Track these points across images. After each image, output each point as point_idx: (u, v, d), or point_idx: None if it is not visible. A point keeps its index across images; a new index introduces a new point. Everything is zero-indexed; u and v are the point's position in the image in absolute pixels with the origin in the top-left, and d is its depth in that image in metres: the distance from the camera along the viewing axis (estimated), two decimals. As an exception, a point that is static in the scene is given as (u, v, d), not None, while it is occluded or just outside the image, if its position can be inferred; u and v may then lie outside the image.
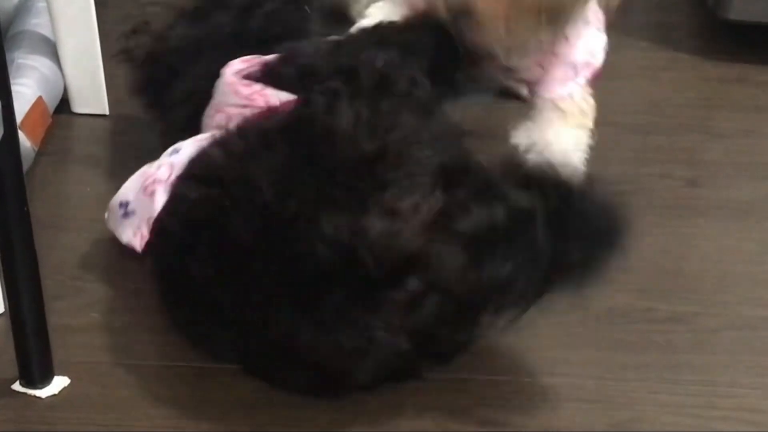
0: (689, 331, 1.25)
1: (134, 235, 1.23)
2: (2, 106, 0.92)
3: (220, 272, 1.11)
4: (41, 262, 1.11)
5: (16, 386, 1.15)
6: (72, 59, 1.59)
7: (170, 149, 1.26)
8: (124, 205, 1.26)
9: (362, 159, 1.09)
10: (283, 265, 1.07)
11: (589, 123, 1.47)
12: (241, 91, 1.28)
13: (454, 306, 1.08)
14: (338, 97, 1.15)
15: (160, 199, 1.21)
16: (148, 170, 1.25)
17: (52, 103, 1.58)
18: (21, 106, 1.45)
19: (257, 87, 1.28)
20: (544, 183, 1.10)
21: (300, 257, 1.06)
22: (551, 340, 1.23)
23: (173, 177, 1.21)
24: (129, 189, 1.26)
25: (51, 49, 1.60)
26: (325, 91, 1.17)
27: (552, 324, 1.25)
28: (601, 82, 1.75)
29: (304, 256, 1.06)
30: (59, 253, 1.32)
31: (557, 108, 1.44)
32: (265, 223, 1.08)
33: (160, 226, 1.20)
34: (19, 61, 1.55)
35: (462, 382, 1.17)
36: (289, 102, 1.24)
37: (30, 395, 1.14)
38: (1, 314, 1.22)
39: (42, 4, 1.65)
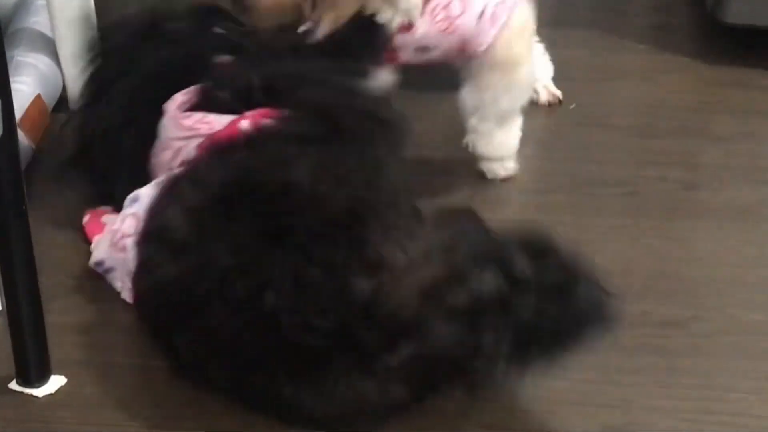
0: (685, 335, 1.25)
1: (122, 288, 1.26)
2: (2, 105, 0.92)
3: (207, 349, 1.10)
4: (39, 261, 1.11)
5: (13, 385, 1.15)
6: (71, 57, 1.58)
7: (129, 199, 1.27)
8: (100, 264, 1.28)
9: (333, 221, 1.06)
10: (271, 349, 1.06)
11: (529, 47, 1.50)
12: (183, 122, 1.29)
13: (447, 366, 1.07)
14: (291, 148, 1.13)
15: (101, 248, 1.24)
16: (112, 227, 1.27)
17: (50, 101, 1.58)
18: (20, 104, 1.45)
19: (198, 116, 1.29)
20: (548, 258, 1.06)
21: (288, 343, 1.05)
22: (548, 342, 1.23)
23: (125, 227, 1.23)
24: (100, 249, 1.28)
25: (50, 47, 1.59)
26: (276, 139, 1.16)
27: (548, 327, 1.25)
28: (599, 84, 1.76)
29: (292, 341, 1.05)
30: (57, 252, 1.32)
31: (491, 63, 1.45)
32: (248, 317, 1.06)
33: (136, 289, 1.20)
34: (18, 58, 1.55)
35: (458, 385, 1.17)
36: (232, 123, 1.24)
37: (27, 394, 1.14)
38: (-2, 313, 1.22)
39: (41, 2, 1.65)
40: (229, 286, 1.06)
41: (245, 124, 1.24)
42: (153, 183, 1.26)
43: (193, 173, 1.18)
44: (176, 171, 1.24)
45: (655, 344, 1.23)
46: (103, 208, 1.36)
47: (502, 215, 1.46)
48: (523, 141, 1.67)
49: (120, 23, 1.47)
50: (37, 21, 1.63)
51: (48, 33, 1.60)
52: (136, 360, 1.19)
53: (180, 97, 1.32)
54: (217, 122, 1.27)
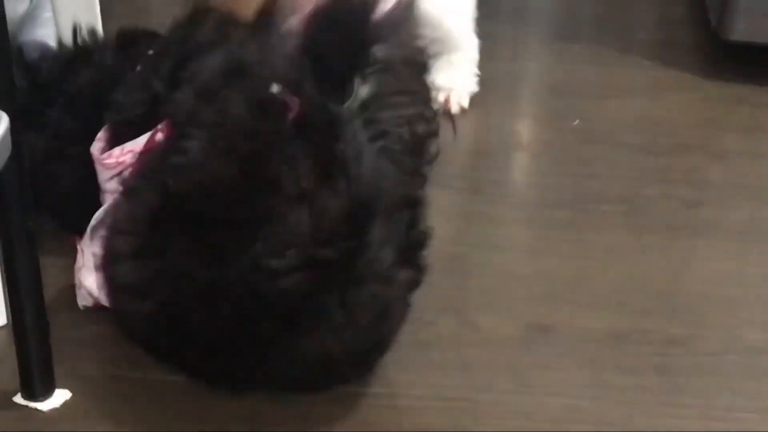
0: (687, 353, 1.25)
1: None
2: (10, 121, 0.92)
3: (218, 355, 1.13)
4: (43, 274, 1.12)
5: (18, 399, 1.15)
6: (78, 70, 1.59)
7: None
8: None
9: (238, 184, 1.09)
10: (272, 323, 1.08)
11: None
12: (107, 163, 1.27)
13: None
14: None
15: (88, 279, 1.24)
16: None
17: (57, 113, 1.58)
18: (26, 117, 1.45)
19: (116, 151, 1.27)
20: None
21: (283, 306, 1.07)
22: (550, 360, 1.23)
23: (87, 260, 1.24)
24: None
25: (57, 60, 1.60)
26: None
27: (551, 344, 1.26)
28: (603, 100, 1.77)
29: (284, 303, 1.07)
30: (62, 265, 1.32)
31: None
32: (233, 307, 1.08)
33: (130, 335, 1.22)
34: (25, 71, 1.56)
35: (458, 402, 1.17)
36: (149, 141, 1.23)
37: (32, 408, 1.14)
38: (3, 326, 1.23)
39: (48, 15, 1.65)
40: (199, 293, 1.09)
41: (160, 136, 1.23)
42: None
43: (114, 225, 1.20)
44: (102, 221, 1.25)
45: (658, 363, 1.23)
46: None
47: (504, 231, 1.47)
48: (526, 156, 1.68)
49: (47, 54, 1.46)
50: (45, 33, 1.63)
51: (55, 45, 1.61)
52: (141, 374, 1.19)
53: (99, 138, 1.31)
54: (137, 147, 1.25)
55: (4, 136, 0.88)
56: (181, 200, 1.11)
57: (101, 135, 1.31)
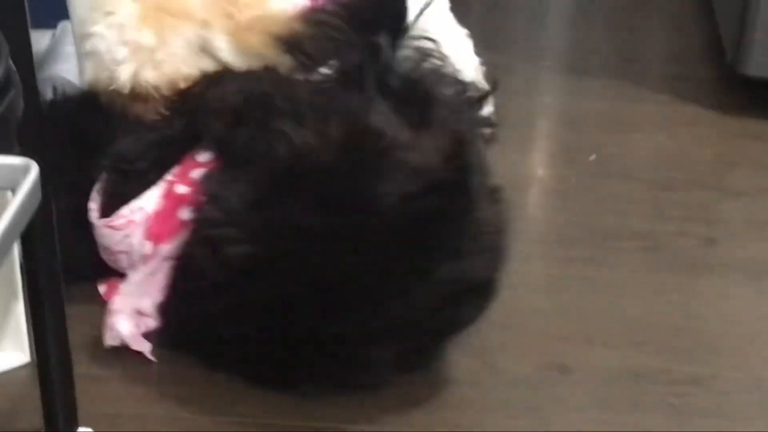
0: (705, 393, 1.25)
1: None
2: (40, 169, 0.92)
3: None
4: (68, 310, 1.12)
5: (41, 437, 1.16)
6: (99, 104, 1.60)
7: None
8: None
9: (341, 137, 1.16)
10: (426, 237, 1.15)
11: None
12: (114, 225, 1.27)
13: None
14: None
15: (122, 325, 1.25)
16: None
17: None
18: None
19: (124, 210, 1.27)
20: None
21: (416, 224, 1.14)
22: (568, 399, 1.24)
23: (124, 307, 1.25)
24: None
25: (79, 95, 1.61)
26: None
27: (569, 383, 1.26)
28: (618, 136, 1.77)
29: (417, 219, 1.14)
30: (85, 303, 1.33)
31: None
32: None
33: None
34: (48, 106, 1.57)
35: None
36: (167, 195, 1.24)
37: (55, 446, 1.15)
38: (27, 364, 1.23)
39: (70, 49, 1.67)
40: (342, 245, 1.14)
41: (181, 188, 1.24)
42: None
43: (209, 221, 1.20)
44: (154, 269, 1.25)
45: (676, 403, 1.23)
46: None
47: (520, 267, 1.47)
48: (542, 192, 1.68)
49: None
50: (67, 68, 1.65)
51: (76, 81, 1.62)
52: (163, 411, 1.19)
53: (93, 205, 1.31)
54: (146, 203, 1.26)
55: (35, 185, 0.89)
56: (294, 161, 1.17)
57: (95, 198, 1.30)
